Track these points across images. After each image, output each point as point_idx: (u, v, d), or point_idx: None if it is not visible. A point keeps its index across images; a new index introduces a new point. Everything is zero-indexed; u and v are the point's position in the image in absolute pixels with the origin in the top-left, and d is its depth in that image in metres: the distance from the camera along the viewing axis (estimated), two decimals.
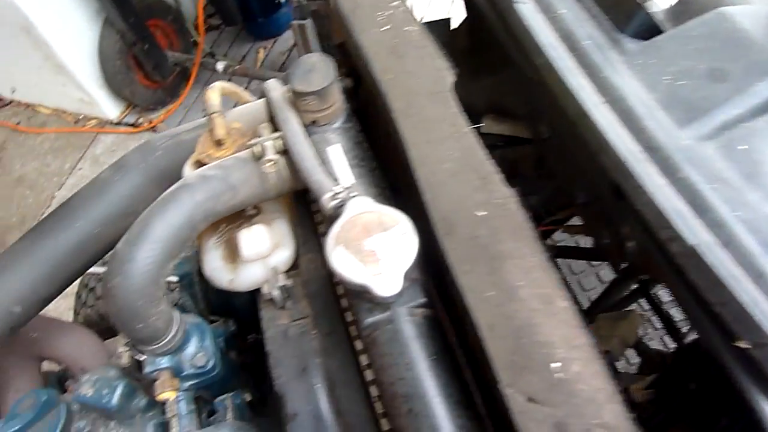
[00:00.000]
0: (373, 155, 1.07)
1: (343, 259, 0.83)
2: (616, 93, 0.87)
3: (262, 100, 1.37)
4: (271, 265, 1.06)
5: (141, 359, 1.08)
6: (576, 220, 1.78)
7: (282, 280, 1.03)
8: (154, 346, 1.07)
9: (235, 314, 1.39)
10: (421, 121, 0.89)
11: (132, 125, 4.11)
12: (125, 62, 3.75)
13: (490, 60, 1.20)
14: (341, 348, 0.98)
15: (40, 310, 1.38)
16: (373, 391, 0.91)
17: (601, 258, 1.71)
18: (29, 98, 4.27)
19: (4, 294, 1.25)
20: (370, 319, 0.86)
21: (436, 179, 0.83)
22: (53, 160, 4.01)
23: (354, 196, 0.91)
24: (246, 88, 4.15)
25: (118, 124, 4.14)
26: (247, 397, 1.29)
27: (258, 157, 1.03)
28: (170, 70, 4.00)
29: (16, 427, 1.18)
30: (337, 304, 1.02)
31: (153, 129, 4.06)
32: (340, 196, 0.91)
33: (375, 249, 0.84)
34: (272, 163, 0.99)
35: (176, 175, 1.39)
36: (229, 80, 4.21)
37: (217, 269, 1.10)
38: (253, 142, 1.02)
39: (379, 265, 0.82)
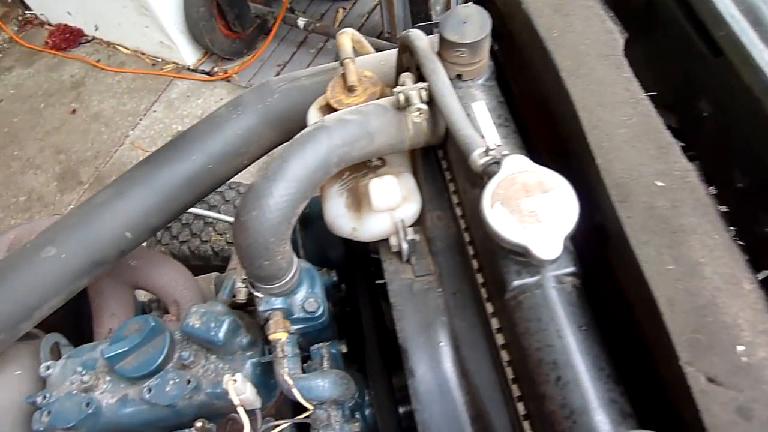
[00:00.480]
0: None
1: (502, 217, 0.80)
2: None
3: (392, 50, 1.34)
4: (398, 217, 1.04)
5: (259, 297, 1.08)
6: None
7: (411, 234, 1.01)
8: (272, 285, 1.07)
9: (327, 266, 1.38)
10: (592, 83, 0.84)
11: (207, 73, 4.14)
12: (209, 9, 3.76)
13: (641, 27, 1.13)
14: (468, 308, 0.96)
15: (148, 238, 1.40)
16: (504, 355, 0.88)
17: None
18: (111, 37, 4.33)
19: (119, 218, 1.27)
20: (517, 282, 0.83)
21: (611, 144, 0.79)
22: (129, 100, 4.08)
23: (508, 154, 0.87)
24: (322, 47, 4.14)
25: (194, 70, 4.17)
26: (343, 348, 1.29)
27: (400, 106, 1.00)
28: (251, 22, 4.00)
29: (124, 349, 1.20)
30: (465, 264, 1.00)
31: (227, 79, 4.08)
32: (493, 152, 0.87)
33: (535, 210, 0.80)
34: (420, 112, 0.96)
35: (292, 119, 1.39)
36: (306, 38, 4.20)
37: (341, 217, 1.09)
38: (397, 90, 0.99)
39: (540, 226, 0.79)
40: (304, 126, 1.39)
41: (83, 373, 1.24)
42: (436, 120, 1.02)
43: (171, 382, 1.19)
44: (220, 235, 2.47)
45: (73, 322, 1.57)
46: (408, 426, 1.25)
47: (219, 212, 2.28)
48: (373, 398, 1.22)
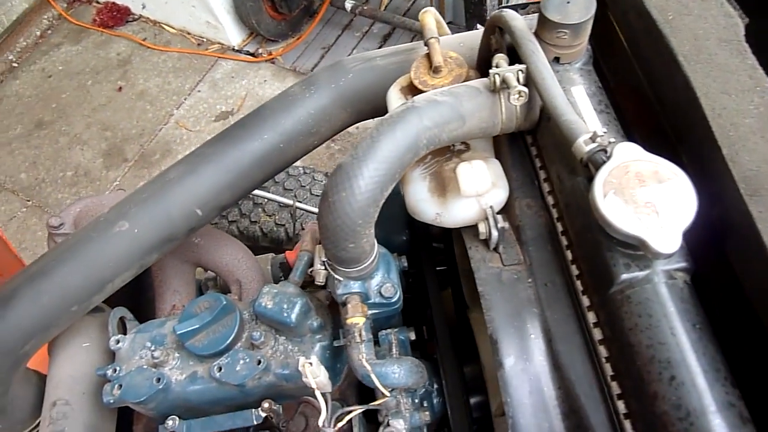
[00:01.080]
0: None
1: (616, 207, 0.77)
2: None
3: (471, 32, 1.30)
4: (485, 204, 1.00)
5: (338, 280, 1.06)
6: None
7: (501, 221, 0.97)
8: (352, 269, 1.05)
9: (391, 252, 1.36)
10: (714, 69, 0.80)
11: (252, 54, 4.13)
12: None
13: None
14: (561, 300, 0.92)
15: (217, 216, 1.39)
16: (603, 351, 0.85)
17: None
18: (157, 16, 4.35)
19: (190, 195, 1.26)
20: (625, 275, 0.79)
21: (737, 134, 0.74)
22: (174, 79, 4.09)
23: (616, 142, 0.83)
24: (367, 31, 4.10)
25: (239, 51, 4.16)
26: (411, 335, 1.27)
27: (495, 88, 0.96)
28: (297, 4, 3.98)
29: (195, 326, 1.19)
30: (557, 254, 0.96)
31: (271, 61, 4.07)
32: (600, 139, 0.83)
33: (651, 201, 0.76)
34: (520, 94, 0.92)
35: (364, 100, 1.36)
36: (352, 21, 4.16)
37: (424, 201, 1.06)
38: (493, 71, 0.95)
39: (657, 218, 0.75)
40: (377, 107, 1.38)
41: (153, 348, 1.24)
42: (531, 104, 0.99)
43: (241, 361, 1.18)
44: (270, 216, 2.46)
45: (132, 297, 1.57)
46: (479, 417, 1.23)
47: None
48: (444, 387, 1.19)
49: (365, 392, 1.34)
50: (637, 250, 0.79)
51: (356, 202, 0.92)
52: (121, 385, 1.19)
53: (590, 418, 0.84)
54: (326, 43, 4.11)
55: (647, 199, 0.76)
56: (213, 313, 1.20)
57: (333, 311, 1.27)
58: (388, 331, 1.26)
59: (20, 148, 3.91)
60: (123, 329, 1.36)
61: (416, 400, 1.19)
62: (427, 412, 1.17)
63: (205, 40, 4.24)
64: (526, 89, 0.92)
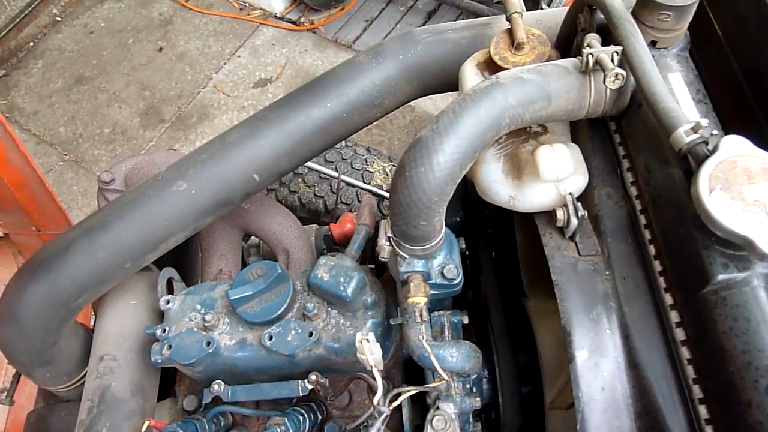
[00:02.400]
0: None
1: (723, 204, 0.72)
2: None
3: (551, 10, 1.24)
4: (564, 190, 0.96)
5: (403, 257, 1.03)
6: None
7: (581, 209, 0.93)
8: (419, 247, 1.02)
9: None
10: None
11: (293, 23, 4.09)
12: None
13: None
14: (641, 297, 0.89)
15: (273, 182, 1.36)
16: (685, 352, 0.81)
17: None
18: None
19: (250, 159, 1.23)
20: (723, 276, 0.75)
21: None
22: (215, 42, 4.06)
23: (721, 134, 0.79)
24: (412, 6, 4.01)
25: (281, 18, 4.12)
26: (465, 319, 1.24)
27: (587, 70, 0.92)
28: None
29: (248, 293, 1.18)
30: (638, 248, 0.92)
31: (313, 30, 4.02)
32: (703, 131, 0.79)
33: (761, 199, 0.72)
34: (617, 77, 0.87)
35: (432, 74, 1.32)
36: None
37: (497, 183, 1.02)
38: (587, 51, 0.90)
39: (767, 218, 0.71)
40: (444, 82, 1.34)
41: (203, 311, 1.22)
42: (623, 88, 0.94)
43: (293, 332, 1.16)
44: (309, 186, 2.44)
45: (175, 259, 1.56)
46: (530, 406, 1.21)
47: None
48: (497, 374, 1.17)
49: (410, 372, 1.32)
50: (737, 250, 0.75)
51: (434, 179, 0.89)
52: (170, 346, 1.18)
53: (666, 421, 0.81)
54: (369, 16, 4.04)
55: (756, 197, 0.72)
56: (267, 281, 1.18)
57: (386, 289, 1.25)
58: (441, 312, 1.24)
59: (60, 102, 3.92)
60: (170, 290, 1.35)
61: (467, 385, 1.17)
62: (477, 398, 1.15)
63: (247, 5, 4.20)
64: (623, 72, 0.87)
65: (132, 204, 1.20)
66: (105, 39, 4.16)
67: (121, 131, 3.76)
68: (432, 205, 0.91)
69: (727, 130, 0.93)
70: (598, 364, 0.87)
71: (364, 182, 2.36)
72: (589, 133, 1.03)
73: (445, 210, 0.97)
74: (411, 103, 1.53)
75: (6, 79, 4.05)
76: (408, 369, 1.31)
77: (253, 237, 1.72)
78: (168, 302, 1.25)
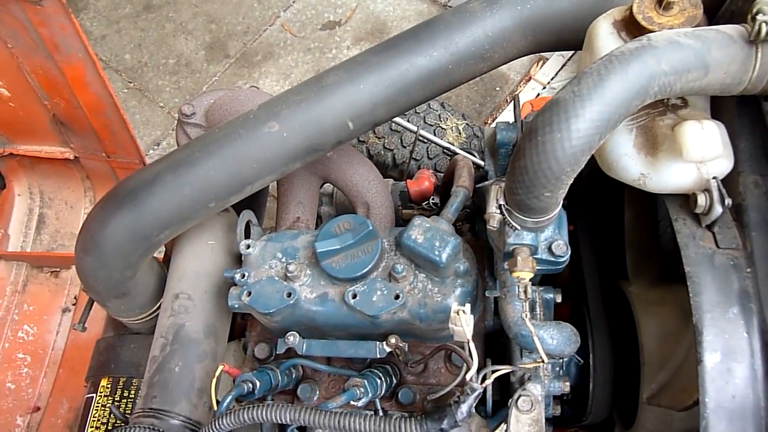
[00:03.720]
0: None
1: None
2: None
3: None
4: (708, 173, 0.86)
5: (515, 227, 0.95)
6: None
7: (727, 197, 0.83)
8: (533, 219, 0.94)
9: None
10: None
11: None
12: None
13: None
14: None
15: (367, 131, 1.29)
16: None
17: None
18: None
19: (345, 105, 1.16)
20: None
21: None
22: None
23: None
24: None
25: None
26: (558, 297, 1.16)
27: (757, 39, 0.80)
28: None
29: (336, 247, 1.13)
30: None
31: None
32: None
33: None
34: None
35: (549, 30, 1.20)
36: None
37: (627, 157, 0.92)
38: (761, 18, 0.78)
39: None
40: (563, 39, 1.22)
41: (285, 261, 1.18)
42: None
43: (378, 292, 1.11)
44: (379, 138, 2.36)
45: (246, 203, 1.51)
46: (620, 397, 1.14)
47: None
48: (591, 361, 1.10)
49: (490, 347, 1.26)
50: None
51: (570, 147, 0.80)
52: (250, 293, 1.14)
53: None
54: None
55: None
56: (356, 237, 1.13)
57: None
58: (533, 288, 1.16)
59: (127, 28, 3.88)
60: (247, 234, 1.31)
61: (557, 368, 1.11)
62: (567, 382, 1.08)
63: None
64: None
65: (221, 141, 1.14)
66: None
67: (186, 63, 3.71)
68: (562, 176, 0.83)
69: None
70: (731, 370, 0.79)
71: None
72: (738, 111, 0.92)
73: (571, 181, 0.88)
74: None
75: (75, 0, 4.03)
76: (489, 343, 1.25)
77: (326, 185, 1.67)
78: (248, 247, 1.21)
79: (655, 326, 1.07)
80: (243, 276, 1.17)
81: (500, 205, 0.95)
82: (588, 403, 1.10)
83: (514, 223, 0.95)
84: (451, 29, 1.18)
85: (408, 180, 1.67)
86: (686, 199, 0.89)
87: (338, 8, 3.78)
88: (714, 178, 0.86)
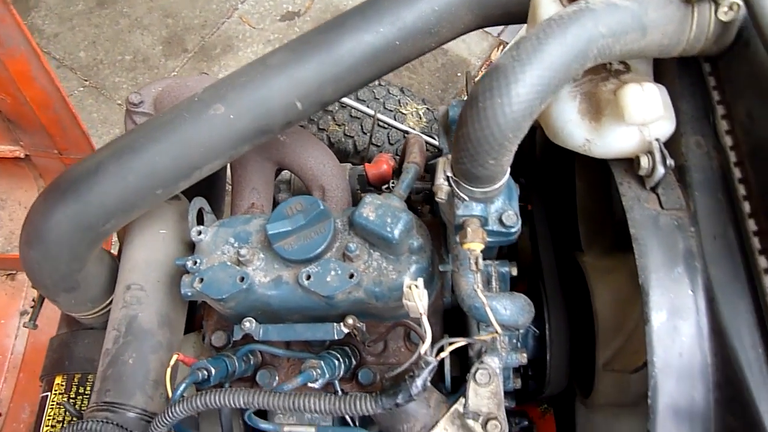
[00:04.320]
0: None
1: None
2: None
3: None
4: (650, 135, 0.87)
5: (463, 198, 0.94)
6: None
7: (669, 158, 0.84)
8: (480, 189, 0.93)
9: None
10: None
11: None
12: None
13: None
14: (730, 257, 0.80)
15: (316, 112, 1.27)
16: None
17: None
18: None
19: (292, 85, 1.14)
20: None
21: None
22: None
23: None
24: None
25: None
26: (513, 270, 1.16)
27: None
28: None
29: (287, 228, 1.11)
30: (730, 204, 0.83)
31: None
32: None
33: None
34: (731, 7, 0.76)
35: (497, 3, 1.20)
36: None
37: (572, 123, 0.92)
38: None
39: None
40: (509, 12, 1.21)
41: (237, 245, 1.16)
42: (731, 23, 0.83)
43: (332, 272, 1.09)
44: (339, 125, 2.34)
45: (202, 190, 1.49)
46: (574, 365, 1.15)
47: None
48: (547, 331, 1.10)
49: (449, 322, 1.26)
50: None
51: (511, 112, 0.79)
52: (202, 279, 1.12)
53: (752, 392, 0.73)
54: None
55: None
56: (307, 217, 1.11)
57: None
58: (488, 262, 1.16)
59: (81, 25, 3.78)
60: (200, 221, 1.28)
61: (513, 340, 1.11)
62: (524, 354, 1.09)
63: None
64: (740, 2, 0.76)
65: (166, 126, 1.11)
66: None
67: (143, 59, 3.64)
68: (505, 142, 0.82)
69: None
70: (678, 328, 0.79)
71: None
72: (679, 73, 0.93)
73: (515, 150, 0.87)
74: (444, 46, 1.43)
75: None
76: (448, 319, 1.25)
77: (284, 172, 1.64)
78: (200, 233, 1.19)
79: (608, 293, 1.08)
80: (195, 263, 1.15)
81: (448, 176, 0.95)
82: (546, 373, 1.10)
83: (461, 194, 0.94)
84: (398, 5, 1.16)
85: (366, 164, 1.66)
86: (631, 163, 0.90)
87: None
88: (656, 139, 0.86)
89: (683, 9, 0.83)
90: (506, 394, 1.15)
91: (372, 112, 2.01)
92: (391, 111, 2.34)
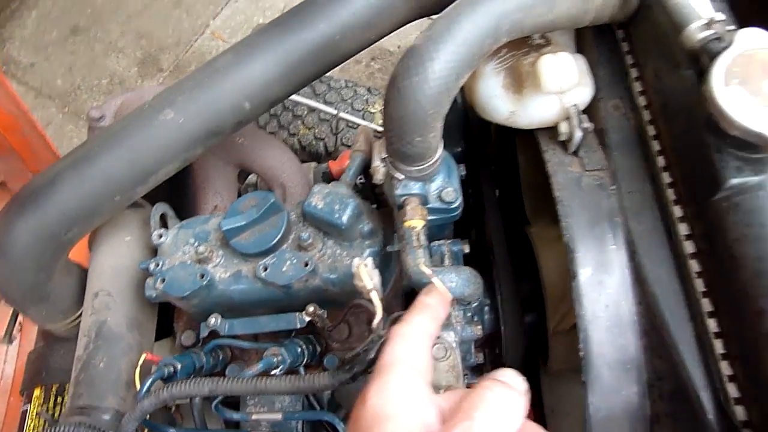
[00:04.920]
0: None
1: (739, 99, 0.67)
2: None
3: None
4: (568, 102, 0.91)
5: (400, 178, 0.98)
6: None
7: (586, 122, 0.88)
8: (415, 167, 0.97)
9: None
10: None
11: None
12: None
13: None
14: (648, 210, 0.84)
15: (265, 111, 1.31)
16: (694, 265, 0.77)
17: None
18: None
19: (238, 86, 1.18)
20: (736, 180, 0.70)
21: None
22: None
23: (738, 28, 0.72)
24: None
25: None
26: (466, 248, 1.20)
27: None
28: None
29: (241, 224, 1.14)
30: (646, 160, 0.87)
31: None
32: (716, 26, 0.73)
33: None
34: None
35: None
36: None
37: (496, 98, 0.96)
38: None
39: None
40: (445, 3, 1.26)
41: (196, 244, 1.19)
42: None
43: (288, 262, 1.13)
44: (309, 128, 2.38)
45: (170, 198, 1.52)
46: (533, 336, 1.18)
47: None
48: (498, 302, 1.14)
49: (411, 303, 1.29)
50: (753, 152, 0.70)
51: (429, 89, 0.83)
52: (163, 280, 1.15)
53: (674, 337, 0.77)
54: None
55: None
56: (260, 211, 1.15)
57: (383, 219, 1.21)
58: (441, 242, 1.19)
59: (56, 53, 3.84)
60: (164, 226, 1.32)
61: (468, 314, 1.14)
62: (479, 326, 1.12)
63: None
64: None
65: (119, 134, 1.15)
66: None
67: (120, 81, 3.69)
68: (427, 119, 0.86)
69: (744, 25, 0.87)
70: (603, 282, 0.83)
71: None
72: (595, 42, 0.97)
73: (441, 126, 0.91)
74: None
75: (0, 30, 3.97)
76: (410, 300, 1.28)
77: (250, 176, 1.68)
78: (161, 236, 1.22)
79: (554, 261, 1.12)
80: (157, 265, 1.19)
81: (383, 158, 0.99)
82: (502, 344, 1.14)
83: (398, 174, 0.98)
84: (333, 2, 1.21)
85: (330, 161, 1.70)
86: (555, 131, 0.94)
87: (267, 10, 3.79)
88: (574, 105, 0.90)
89: None
90: (469, 369, 1.19)
91: (334, 111, 2.06)
92: (359, 111, 2.38)
